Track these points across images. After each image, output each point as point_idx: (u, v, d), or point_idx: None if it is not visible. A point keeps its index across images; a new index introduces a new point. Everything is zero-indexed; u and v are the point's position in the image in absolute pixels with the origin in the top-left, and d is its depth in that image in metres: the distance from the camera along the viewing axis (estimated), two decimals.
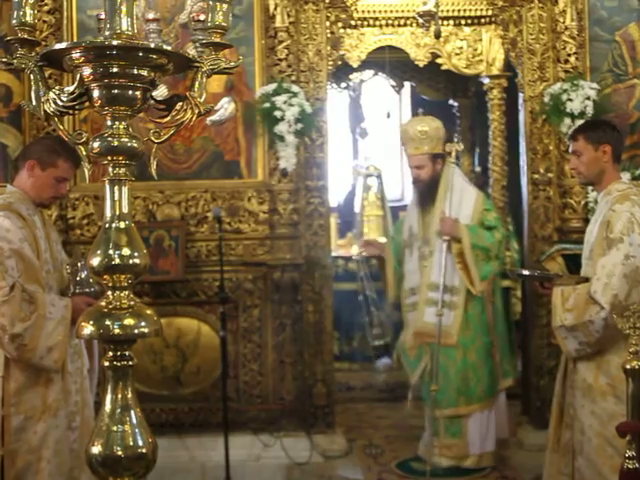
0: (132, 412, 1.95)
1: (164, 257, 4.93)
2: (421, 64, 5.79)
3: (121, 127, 1.94)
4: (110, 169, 1.96)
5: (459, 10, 5.47)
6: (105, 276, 1.94)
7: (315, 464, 4.90)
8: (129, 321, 1.92)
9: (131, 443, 1.92)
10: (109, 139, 1.93)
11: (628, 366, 2.46)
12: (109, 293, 1.95)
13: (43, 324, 3.14)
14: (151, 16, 2.10)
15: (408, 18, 5.47)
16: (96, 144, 1.94)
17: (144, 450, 1.93)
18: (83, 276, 3.35)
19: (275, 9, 5.01)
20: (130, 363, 1.97)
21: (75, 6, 5.01)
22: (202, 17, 2.05)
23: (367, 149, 9.75)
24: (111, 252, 1.92)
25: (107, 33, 1.90)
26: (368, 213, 8.35)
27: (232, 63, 2.04)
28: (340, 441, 5.14)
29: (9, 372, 3.19)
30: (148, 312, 1.97)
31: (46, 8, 4.93)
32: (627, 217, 3.31)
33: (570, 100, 4.89)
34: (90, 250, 1.96)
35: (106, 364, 1.96)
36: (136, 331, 1.92)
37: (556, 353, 4.44)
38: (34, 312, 3.13)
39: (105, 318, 1.92)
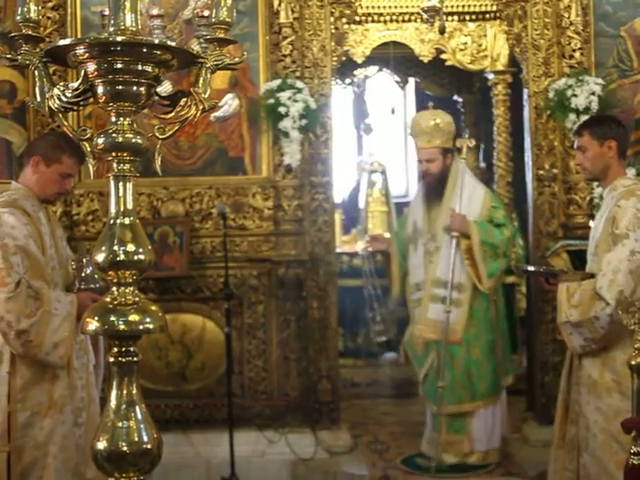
0: (137, 408, 1.95)
1: (169, 253, 4.93)
2: (425, 60, 5.75)
3: (125, 123, 1.94)
4: (114, 165, 1.96)
5: (464, 5, 5.44)
6: (110, 272, 1.94)
7: (320, 460, 4.89)
8: (134, 317, 1.92)
9: (136, 439, 1.92)
10: (113, 135, 1.93)
11: (633, 362, 2.46)
12: (114, 289, 1.96)
13: (49, 320, 3.15)
14: (155, 12, 2.10)
15: (412, 14, 5.44)
16: (100, 140, 1.94)
17: (149, 446, 1.93)
18: (88, 272, 3.36)
19: (279, 5, 5.01)
20: (135, 359, 1.97)
21: (79, 2, 5.01)
22: (206, 13, 2.06)
23: (371, 145, 9.75)
24: (116, 248, 1.92)
25: (111, 29, 1.90)
26: (372, 209, 8.34)
27: (236, 59, 2.04)
28: (345, 437, 5.14)
29: (15, 368, 3.20)
30: (153, 308, 1.97)
31: (50, 4, 4.94)
32: (633, 213, 3.31)
33: (575, 96, 4.87)
34: (95, 246, 1.96)
35: (111, 360, 1.96)
36: (141, 327, 1.93)
37: (561, 349, 4.43)
38: (40, 308, 3.14)
39: (110, 314, 1.92)
